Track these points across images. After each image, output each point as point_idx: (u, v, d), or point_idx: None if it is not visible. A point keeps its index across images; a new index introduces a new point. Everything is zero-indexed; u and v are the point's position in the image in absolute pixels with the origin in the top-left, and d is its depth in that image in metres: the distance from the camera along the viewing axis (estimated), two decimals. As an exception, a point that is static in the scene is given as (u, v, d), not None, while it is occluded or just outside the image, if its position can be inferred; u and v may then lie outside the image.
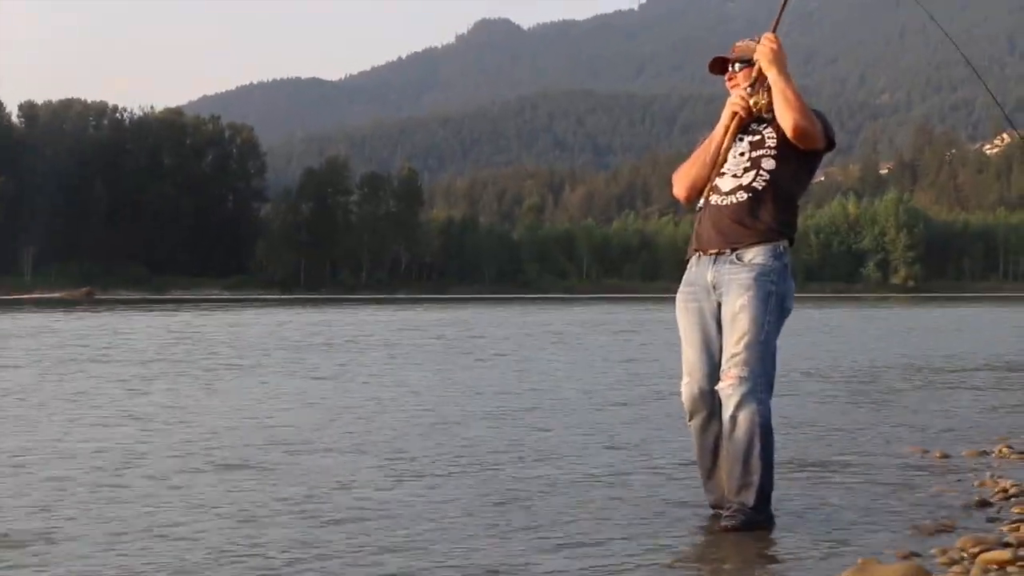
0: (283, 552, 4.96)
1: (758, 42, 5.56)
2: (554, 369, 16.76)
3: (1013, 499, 6.12)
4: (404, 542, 5.15)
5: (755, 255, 5.37)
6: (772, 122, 5.45)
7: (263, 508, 5.98)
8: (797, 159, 5.43)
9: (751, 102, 5.46)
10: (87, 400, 12.03)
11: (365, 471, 7.22)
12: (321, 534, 5.33)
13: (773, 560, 4.89)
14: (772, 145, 5.43)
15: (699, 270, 5.53)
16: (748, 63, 5.58)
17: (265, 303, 69.43)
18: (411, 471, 7.23)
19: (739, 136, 5.53)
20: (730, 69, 5.65)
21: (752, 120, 5.52)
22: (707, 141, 5.63)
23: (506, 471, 7.35)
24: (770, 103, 5.43)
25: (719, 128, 5.57)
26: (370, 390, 13.10)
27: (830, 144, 5.52)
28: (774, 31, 5.51)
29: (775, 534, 5.30)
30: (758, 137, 5.48)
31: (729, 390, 5.28)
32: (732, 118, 5.51)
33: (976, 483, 6.70)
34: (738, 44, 5.70)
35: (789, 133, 5.32)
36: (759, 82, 5.49)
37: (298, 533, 5.35)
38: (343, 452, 8.09)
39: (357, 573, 4.63)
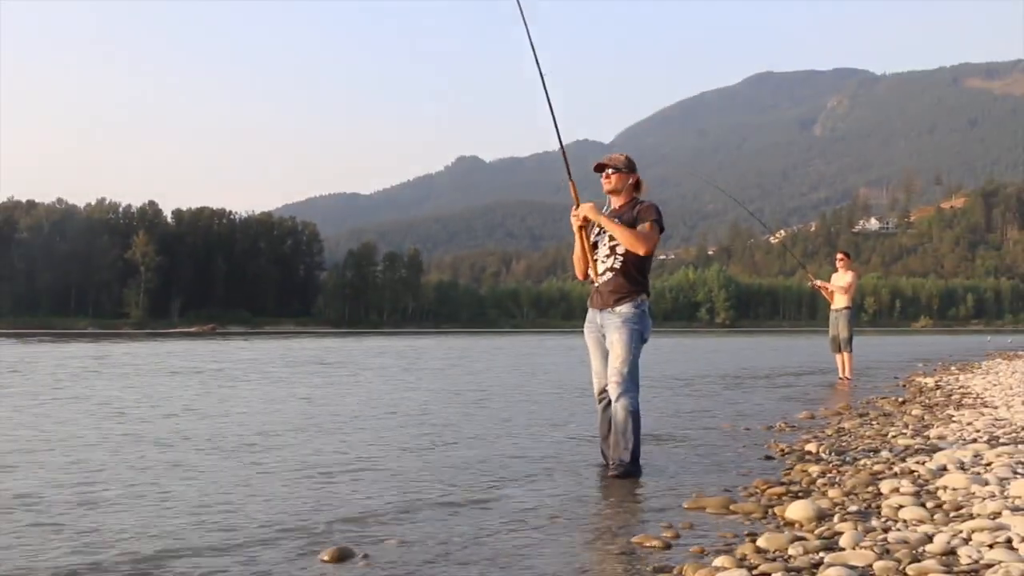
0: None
1: (624, 157, 5.75)
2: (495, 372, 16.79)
3: (786, 455, 6.31)
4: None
5: (623, 307, 5.53)
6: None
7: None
8: None
9: (580, 218, 5.63)
10: (259, 387, 11.96)
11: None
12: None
13: (641, 497, 4.99)
14: None
15: (592, 315, 5.69)
16: (616, 169, 5.69)
17: (323, 335, 68.88)
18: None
19: (605, 235, 5.64)
20: (605, 171, 5.72)
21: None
22: (576, 246, 5.74)
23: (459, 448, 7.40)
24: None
25: (577, 236, 5.70)
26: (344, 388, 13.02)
27: (661, 229, 5.57)
28: (576, 201, 5.69)
29: (643, 479, 5.44)
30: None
31: (613, 388, 5.46)
32: (578, 229, 5.66)
33: (765, 445, 6.86)
34: (611, 156, 5.79)
35: (627, 248, 5.52)
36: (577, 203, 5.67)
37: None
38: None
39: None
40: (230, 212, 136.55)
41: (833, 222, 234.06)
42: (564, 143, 5.93)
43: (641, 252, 5.50)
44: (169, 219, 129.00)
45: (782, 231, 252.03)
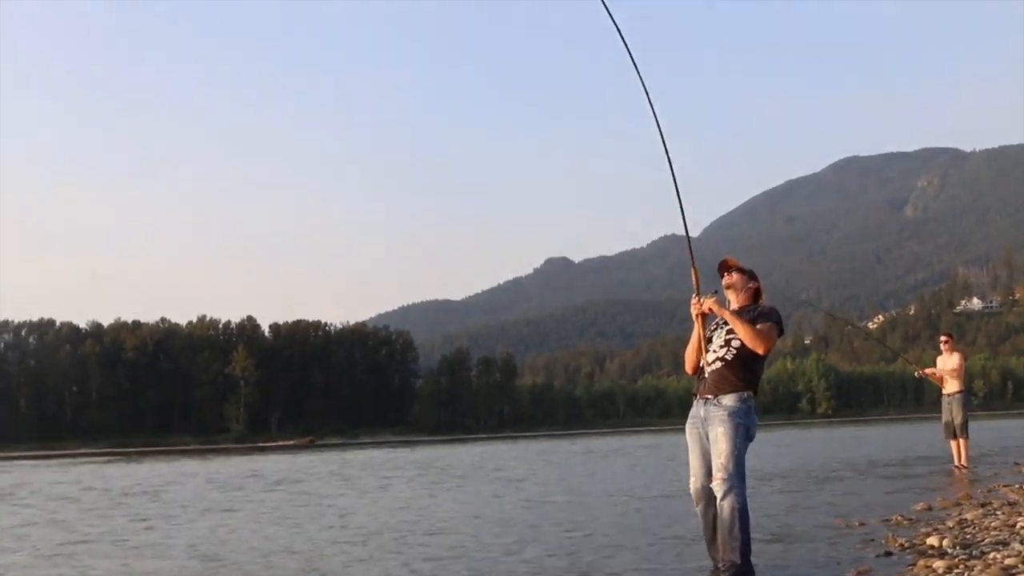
0: None
1: (740, 266, 5.79)
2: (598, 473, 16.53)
3: (906, 550, 6.04)
4: None
5: (728, 400, 5.43)
6: None
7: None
8: None
9: (702, 308, 5.59)
10: (374, 492, 11.99)
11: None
12: None
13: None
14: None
15: (696, 408, 5.58)
16: (739, 269, 5.76)
17: (419, 443, 68.99)
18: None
19: (724, 325, 5.61)
20: (728, 269, 5.77)
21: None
22: (693, 335, 5.74)
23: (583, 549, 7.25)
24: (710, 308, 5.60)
25: (696, 324, 5.66)
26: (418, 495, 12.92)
27: (780, 331, 5.56)
28: (696, 288, 5.66)
29: (756, 580, 5.25)
30: (731, 327, 5.56)
31: (718, 485, 5.29)
32: (697, 317, 5.63)
33: (883, 540, 6.60)
34: (729, 257, 5.84)
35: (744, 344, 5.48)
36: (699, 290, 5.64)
37: None
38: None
39: None
40: (325, 324, 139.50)
41: (933, 304, 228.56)
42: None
43: (760, 351, 5.46)
44: (267, 333, 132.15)
45: (880, 316, 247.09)
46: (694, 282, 5.71)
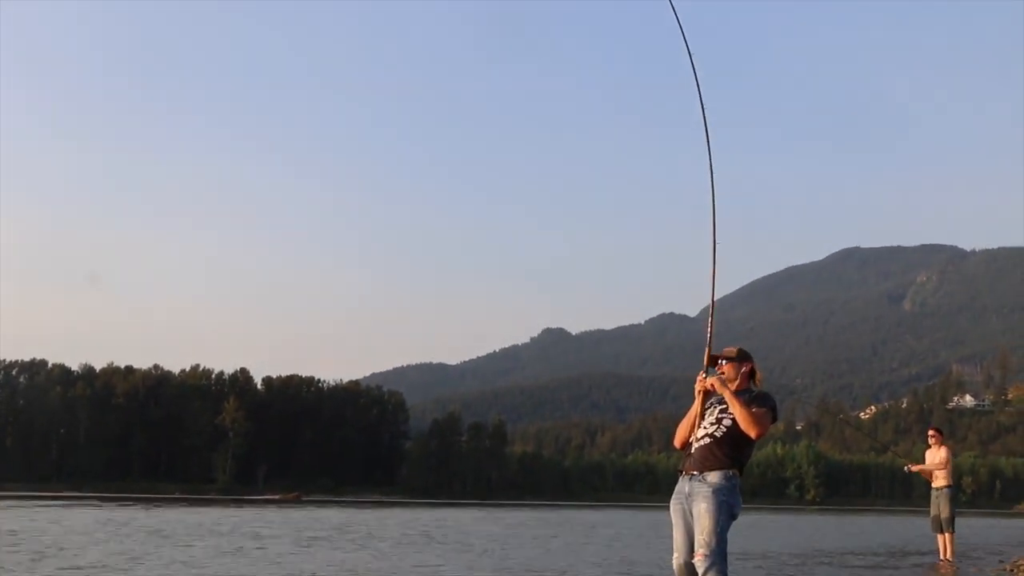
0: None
1: (736, 349, 5.84)
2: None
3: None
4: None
5: (713, 477, 5.47)
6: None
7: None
8: None
9: (706, 384, 5.66)
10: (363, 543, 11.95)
11: None
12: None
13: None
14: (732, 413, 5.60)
15: (682, 484, 5.62)
16: (729, 359, 5.79)
17: (407, 505, 68.43)
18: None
19: (719, 403, 5.68)
20: (719, 363, 5.81)
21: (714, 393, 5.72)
22: (691, 410, 5.81)
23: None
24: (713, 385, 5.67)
25: (696, 400, 5.74)
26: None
27: (774, 417, 5.62)
28: (706, 367, 5.74)
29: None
30: (725, 406, 5.64)
31: (700, 562, 5.31)
32: (699, 393, 5.70)
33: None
34: (725, 349, 5.87)
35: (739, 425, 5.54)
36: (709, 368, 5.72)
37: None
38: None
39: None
40: (319, 380, 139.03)
41: (926, 398, 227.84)
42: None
43: (753, 434, 5.52)
44: (259, 386, 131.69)
45: (872, 407, 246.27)
46: (705, 359, 5.79)
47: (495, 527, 25.53)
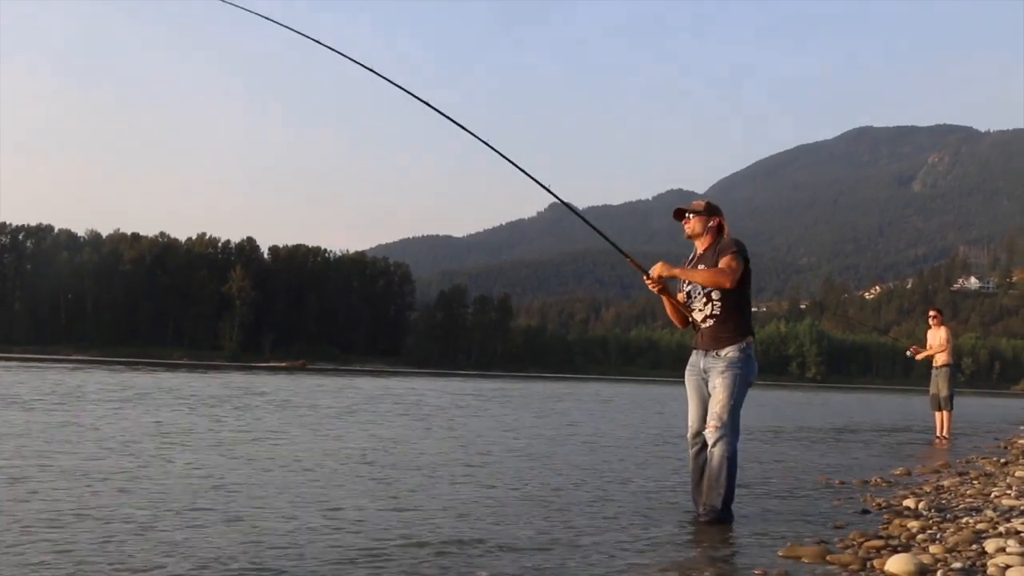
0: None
1: (703, 202, 5.76)
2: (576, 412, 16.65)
3: (883, 509, 6.15)
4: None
5: (727, 351, 5.47)
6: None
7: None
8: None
9: (655, 278, 5.59)
10: (358, 415, 12.13)
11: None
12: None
13: (733, 545, 4.91)
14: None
15: (696, 358, 5.62)
16: (696, 212, 5.68)
17: (410, 375, 69.34)
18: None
19: (696, 285, 5.60)
20: (685, 216, 5.73)
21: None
22: (666, 306, 5.74)
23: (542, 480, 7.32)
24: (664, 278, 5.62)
25: (664, 299, 5.72)
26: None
27: (745, 260, 5.48)
28: (640, 270, 5.72)
29: (734, 527, 5.36)
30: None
31: (711, 433, 5.38)
32: (659, 291, 5.65)
33: (861, 499, 6.71)
34: (693, 203, 5.76)
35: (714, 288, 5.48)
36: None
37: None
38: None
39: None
40: (325, 251, 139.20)
41: (931, 279, 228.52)
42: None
43: (727, 286, 5.43)
44: (266, 255, 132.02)
45: (877, 287, 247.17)
46: (634, 266, 5.77)
47: (507, 403, 25.87)
